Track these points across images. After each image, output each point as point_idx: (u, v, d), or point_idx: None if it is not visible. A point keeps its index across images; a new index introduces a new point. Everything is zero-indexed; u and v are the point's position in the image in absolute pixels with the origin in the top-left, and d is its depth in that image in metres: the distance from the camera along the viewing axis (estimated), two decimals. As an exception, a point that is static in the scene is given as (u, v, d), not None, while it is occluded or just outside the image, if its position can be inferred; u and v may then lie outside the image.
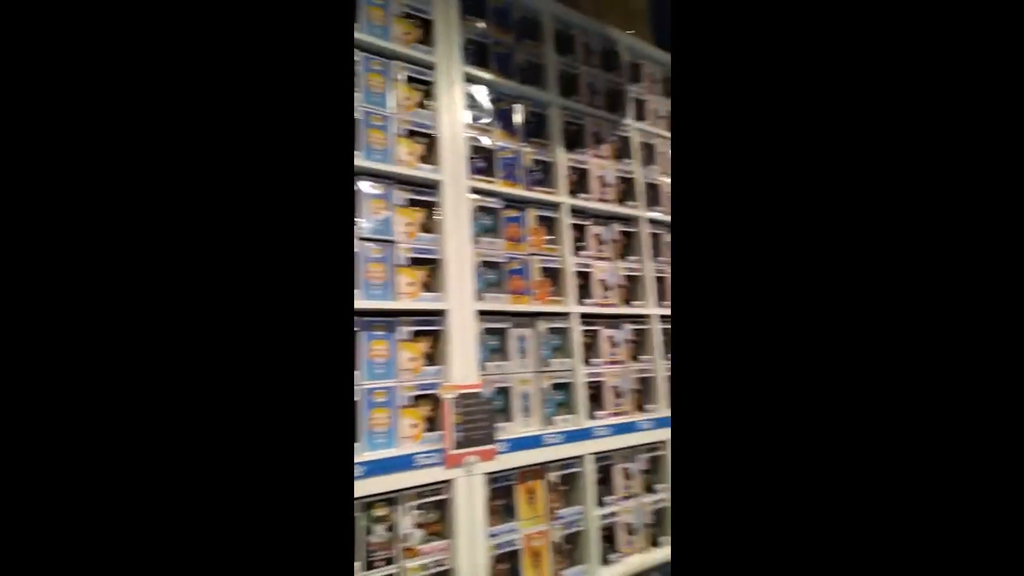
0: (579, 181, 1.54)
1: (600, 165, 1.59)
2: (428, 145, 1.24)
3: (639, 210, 1.66)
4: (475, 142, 1.33)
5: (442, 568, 1.06)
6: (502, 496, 1.21)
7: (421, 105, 1.25)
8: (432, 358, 1.15)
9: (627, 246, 1.63)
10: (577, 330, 1.41)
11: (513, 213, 1.37)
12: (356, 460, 0.98)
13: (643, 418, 1.49)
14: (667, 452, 1.53)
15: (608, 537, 1.36)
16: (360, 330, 1.06)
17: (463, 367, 1.15)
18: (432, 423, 1.11)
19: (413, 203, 1.19)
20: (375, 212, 1.13)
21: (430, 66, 1.27)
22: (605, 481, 1.40)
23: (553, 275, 1.41)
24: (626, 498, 1.42)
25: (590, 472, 1.34)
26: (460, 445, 1.11)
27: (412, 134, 1.21)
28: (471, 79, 1.35)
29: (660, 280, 1.66)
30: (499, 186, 1.34)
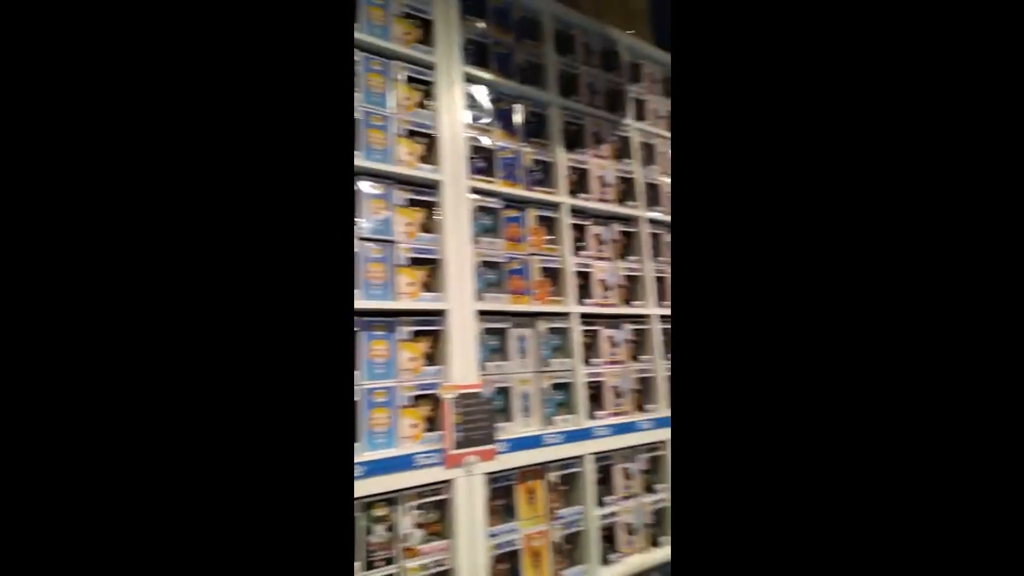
0: (579, 181, 1.54)
1: (600, 165, 1.59)
2: (428, 145, 1.24)
3: (639, 210, 1.66)
4: (475, 142, 1.33)
5: (442, 568, 1.06)
6: (502, 496, 1.21)
7: (421, 105, 1.25)
8: (432, 358, 1.15)
9: (627, 246, 1.63)
10: (577, 330, 1.41)
11: (513, 213, 1.37)
12: (356, 460, 0.98)
13: (643, 418, 1.49)
14: (667, 452, 1.53)
15: (608, 537, 1.36)
16: (360, 330, 1.06)
17: (463, 367, 1.15)
18: (432, 423, 1.11)
19: (413, 203, 1.19)
20: (375, 212, 1.13)
21: (430, 66, 1.27)
22: (605, 481, 1.40)
23: (553, 275, 1.41)
24: (626, 498, 1.42)
25: (590, 472, 1.34)
26: (460, 445, 1.11)
27: (412, 134, 1.22)
28: (471, 79, 1.35)
29: (660, 280, 1.66)
30: (499, 186, 1.34)
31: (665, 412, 1.55)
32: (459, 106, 1.29)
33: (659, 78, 1.89)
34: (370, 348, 1.07)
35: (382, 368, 1.08)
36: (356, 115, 1.12)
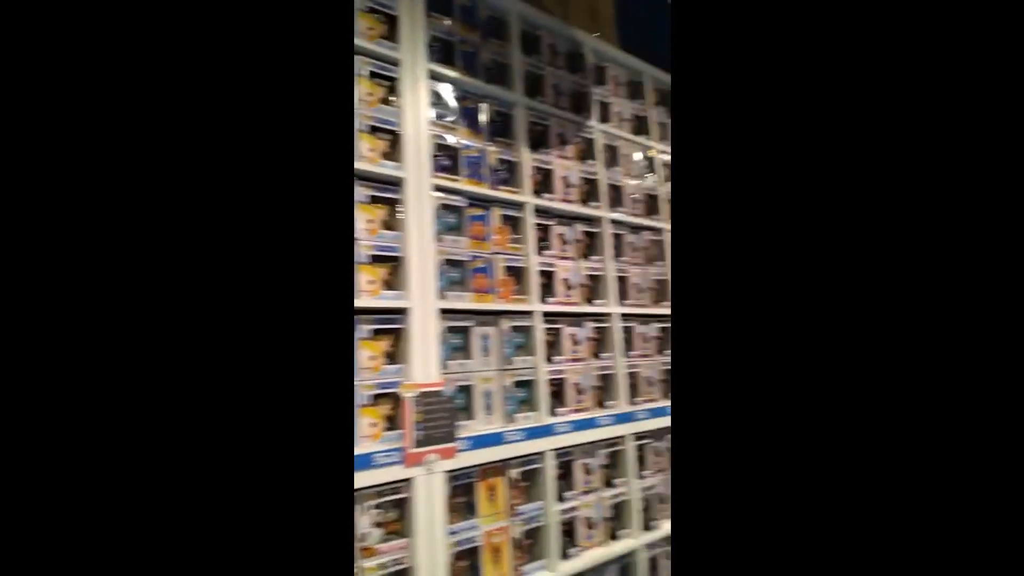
0: (543, 181, 1.56)
1: (564, 166, 1.62)
2: (391, 142, 1.23)
3: (602, 211, 1.69)
4: (439, 140, 1.33)
5: (400, 567, 1.06)
6: (463, 493, 1.22)
7: (385, 101, 1.24)
8: (393, 356, 1.14)
9: (590, 246, 1.66)
10: (540, 328, 1.42)
11: (478, 212, 1.38)
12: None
13: (603, 414, 1.52)
14: (626, 447, 1.57)
15: (568, 532, 1.39)
16: (319, 328, 1.05)
17: (424, 366, 1.15)
18: (392, 422, 1.11)
19: (375, 200, 1.18)
20: (335, 208, 1.11)
21: (394, 62, 1.26)
22: (565, 477, 1.42)
23: (517, 274, 1.42)
24: (586, 493, 1.45)
25: (551, 468, 1.36)
26: (420, 444, 1.11)
27: (375, 130, 1.20)
28: (436, 76, 1.35)
29: (621, 279, 1.70)
30: (463, 184, 1.34)
31: (624, 408, 1.59)
32: (423, 103, 1.28)
33: (623, 81, 1.93)
34: (329, 346, 1.05)
35: (341, 367, 1.06)
36: (316, 109, 1.10)
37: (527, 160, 1.50)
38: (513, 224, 1.46)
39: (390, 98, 1.25)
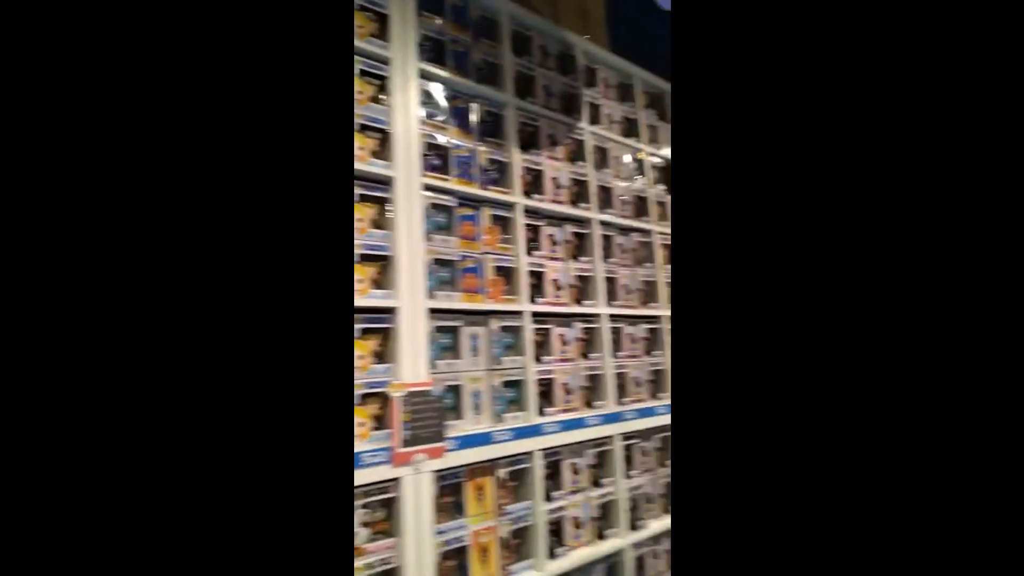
0: (533, 182, 1.56)
1: (554, 167, 1.62)
2: (381, 140, 1.22)
3: (591, 212, 1.70)
4: (430, 139, 1.32)
5: (388, 567, 1.06)
6: (451, 493, 1.22)
7: (375, 100, 1.23)
8: (381, 356, 1.14)
9: (579, 247, 1.66)
10: (529, 328, 1.43)
11: (468, 211, 1.38)
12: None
13: (591, 414, 1.53)
14: (614, 447, 1.58)
15: (555, 531, 1.39)
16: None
17: (413, 365, 1.15)
18: (380, 421, 1.10)
19: (364, 198, 1.17)
20: (324, 207, 1.10)
21: (385, 61, 1.25)
22: (553, 476, 1.43)
23: (507, 274, 1.43)
24: (574, 492, 1.46)
25: (539, 468, 1.37)
26: (408, 443, 1.11)
27: (364, 128, 1.20)
28: (426, 76, 1.34)
29: (610, 280, 1.71)
30: (453, 184, 1.34)
31: (612, 408, 1.60)
32: (414, 102, 1.28)
33: (613, 83, 1.94)
34: (317, 345, 1.05)
35: (329, 366, 1.06)
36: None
37: (517, 160, 1.51)
38: (503, 224, 1.46)
39: (380, 96, 1.24)
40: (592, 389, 1.59)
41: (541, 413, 1.42)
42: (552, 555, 1.36)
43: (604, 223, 1.74)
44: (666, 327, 1.87)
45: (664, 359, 1.84)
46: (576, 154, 1.72)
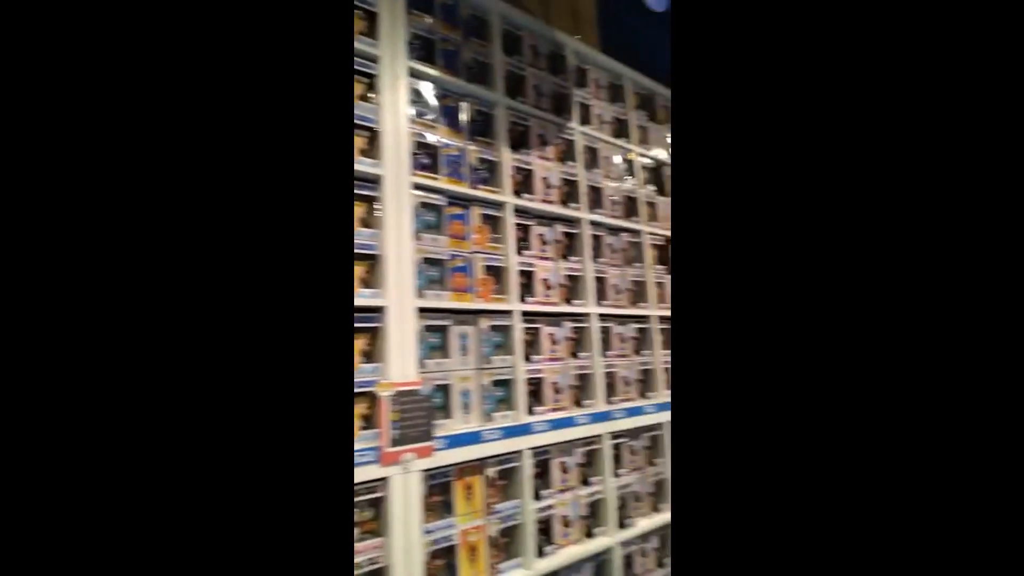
0: (524, 181, 1.57)
1: (544, 167, 1.63)
2: (370, 139, 1.22)
3: (581, 212, 1.70)
4: (419, 138, 1.32)
5: (376, 566, 1.06)
6: (440, 492, 1.22)
7: (364, 98, 1.23)
8: (370, 355, 1.14)
9: (569, 247, 1.67)
10: (519, 328, 1.43)
11: (457, 211, 1.38)
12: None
13: (580, 413, 1.54)
14: (603, 446, 1.58)
15: (544, 530, 1.40)
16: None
17: (401, 364, 1.15)
18: (368, 421, 1.10)
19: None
20: (312, 205, 1.10)
21: (374, 59, 1.25)
22: (542, 475, 1.43)
23: (497, 273, 1.43)
24: (562, 491, 1.46)
25: (528, 467, 1.37)
26: (397, 443, 1.11)
27: (353, 127, 1.19)
28: (416, 74, 1.34)
29: (600, 280, 1.72)
30: (443, 183, 1.34)
31: (601, 407, 1.61)
32: (403, 101, 1.28)
33: (604, 84, 1.95)
34: (304, 345, 1.04)
35: (317, 365, 1.05)
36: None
37: (507, 160, 1.51)
38: (493, 224, 1.46)
39: (369, 95, 1.24)
40: (581, 388, 1.59)
41: (530, 412, 1.42)
42: (541, 553, 1.36)
43: (594, 223, 1.74)
44: (655, 327, 1.88)
45: (653, 358, 1.85)
46: (566, 154, 1.73)
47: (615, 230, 1.84)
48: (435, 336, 1.29)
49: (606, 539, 1.53)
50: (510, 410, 1.38)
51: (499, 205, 1.47)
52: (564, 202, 1.67)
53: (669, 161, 2.16)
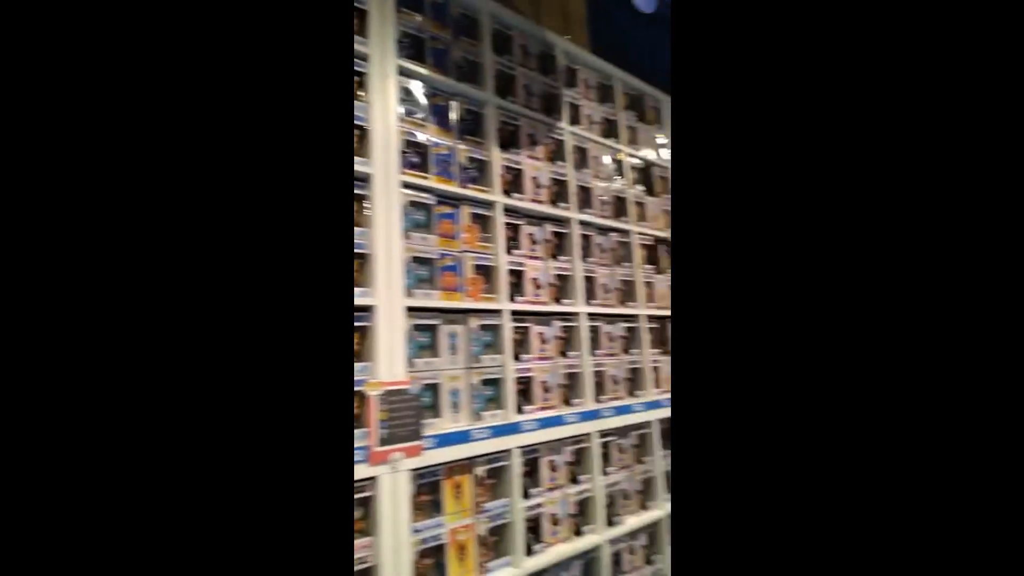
0: (513, 181, 1.57)
1: (534, 166, 1.63)
2: (359, 137, 1.21)
3: (571, 212, 1.71)
4: (409, 136, 1.32)
5: (364, 565, 1.06)
6: (429, 492, 1.22)
7: (353, 96, 1.22)
8: (358, 354, 1.13)
9: (558, 246, 1.68)
10: (508, 327, 1.43)
11: (447, 210, 1.37)
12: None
13: (569, 412, 1.55)
14: (591, 444, 1.59)
15: (533, 528, 1.40)
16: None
17: (390, 363, 1.14)
18: (357, 420, 1.10)
19: (342, 196, 1.16)
20: (300, 204, 1.09)
21: (363, 57, 1.24)
22: (531, 474, 1.44)
23: (486, 272, 1.43)
24: (551, 489, 1.47)
25: (517, 465, 1.37)
26: (385, 442, 1.10)
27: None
28: (406, 73, 1.34)
29: (589, 280, 1.73)
30: (433, 182, 1.34)
31: (590, 406, 1.62)
32: (392, 99, 1.27)
33: (594, 84, 1.96)
34: (292, 344, 1.03)
35: (304, 364, 1.05)
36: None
37: (497, 159, 1.51)
38: (482, 223, 1.46)
39: (358, 93, 1.23)
40: (570, 387, 1.60)
41: (519, 411, 1.42)
42: (529, 552, 1.37)
43: (583, 223, 1.75)
44: (643, 326, 1.89)
45: (641, 357, 1.86)
46: (556, 154, 1.73)
47: (604, 230, 1.85)
48: (424, 335, 1.29)
49: (595, 537, 1.54)
50: (499, 409, 1.38)
51: (489, 204, 1.47)
52: (554, 202, 1.68)
53: (658, 162, 2.17)
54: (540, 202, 1.63)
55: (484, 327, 1.40)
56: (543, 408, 1.49)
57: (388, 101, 1.26)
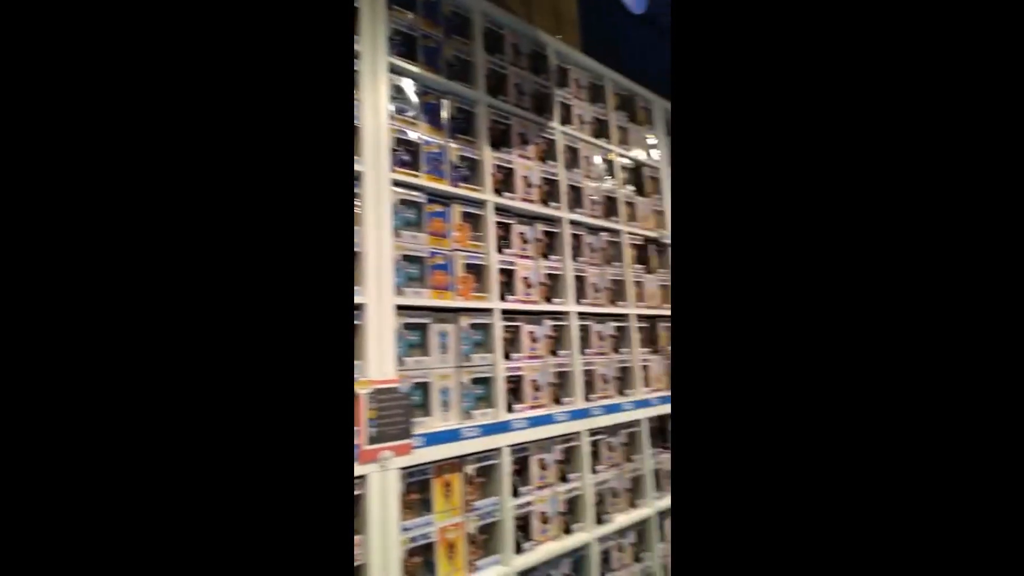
0: (504, 180, 1.57)
1: (525, 166, 1.63)
2: (349, 135, 1.21)
3: (562, 211, 1.72)
4: (400, 135, 1.31)
5: (354, 564, 1.05)
6: (418, 490, 1.21)
7: (343, 93, 1.22)
8: (348, 353, 1.13)
9: (549, 246, 1.68)
10: (499, 326, 1.44)
11: (438, 208, 1.37)
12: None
13: (559, 410, 1.55)
14: (581, 443, 1.60)
15: (523, 526, 1.41)
16: (270, 323, 1.02)
17: (380, 362, 1.14)
18: (346, 418, 1.09)
19: (332, 193, 1.16)
20: (290, 201, 1.09)
21: (355, 55, 1.24)
22: (521, 472, 1.44)
23: (477, 271, 1.43)
24: (541, 488, 1.48)
25: (507, 464, 1.38)
26: (374, 440, 1.10)
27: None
28: (397, 71, 1.33)
29: (579, 279, 1.74)
30: (423, 180, 1.34)
31: (580, 404, 1.62)
32: (383, 97, 1.27)
33: (585, 84, 1.96)
34: (281, 342, 1.03)
35: (293, 363, 1.04)
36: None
37: (488, 158, 1.51)
38: (473, 222, 1.46)
39: (349, 90, 1.23)
40: (560, 386, 1.61)
41: (510, 410, 1.43)
42: (519, 550, 1.37)
43: (574, 222, 1.76)
44: (633, 325, 1.91)
45: (631, 356, 1.88)
46: (547, 153, 1.74)
47: (595, 229, 1.86)
48: (414, 334, 1.28)
49: (584, 535, 1.55)
50: (489, 408, 1.38)
51: (480, 203, 1.47)
52: (545, 201, 1.68)
53: (648, 162, 2.19)
54: (531, 201, 1.63)
55: (474, 326, 1.40)
56: (533, 407, 1.50)
57: (379, 99, 1.26)
